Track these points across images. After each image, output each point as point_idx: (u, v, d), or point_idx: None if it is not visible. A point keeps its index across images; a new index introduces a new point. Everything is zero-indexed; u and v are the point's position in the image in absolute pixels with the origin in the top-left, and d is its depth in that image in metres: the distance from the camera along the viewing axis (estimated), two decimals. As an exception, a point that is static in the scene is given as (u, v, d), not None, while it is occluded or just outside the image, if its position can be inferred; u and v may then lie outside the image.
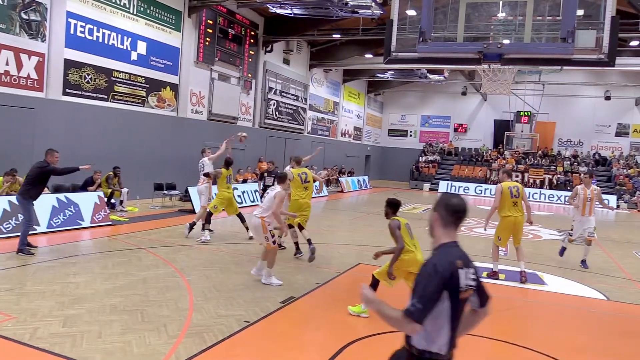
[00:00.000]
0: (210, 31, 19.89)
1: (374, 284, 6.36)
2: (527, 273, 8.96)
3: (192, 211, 14.79)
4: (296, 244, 9.65)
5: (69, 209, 11.25)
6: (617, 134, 35.68)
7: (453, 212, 2.83)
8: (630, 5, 16.60)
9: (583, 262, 10.53)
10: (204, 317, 5.94)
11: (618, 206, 29.24)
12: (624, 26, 19.31)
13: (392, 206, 6.60)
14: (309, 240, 9.10)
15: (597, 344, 6.15)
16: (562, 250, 11.07)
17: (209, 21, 19.73)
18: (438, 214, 2.84)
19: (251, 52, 22.76)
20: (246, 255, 9.58)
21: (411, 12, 8.31)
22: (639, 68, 26.89)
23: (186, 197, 16.25)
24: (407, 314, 2.53)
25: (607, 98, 33.74)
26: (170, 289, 7.00)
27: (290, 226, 9.44)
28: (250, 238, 10.71)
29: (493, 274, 8.95)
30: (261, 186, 13.74)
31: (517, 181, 9.34)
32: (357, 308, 6.39)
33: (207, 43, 19.70)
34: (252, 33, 22.75)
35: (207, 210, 11.12)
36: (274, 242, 7.57)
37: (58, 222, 10.88)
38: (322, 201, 21.52)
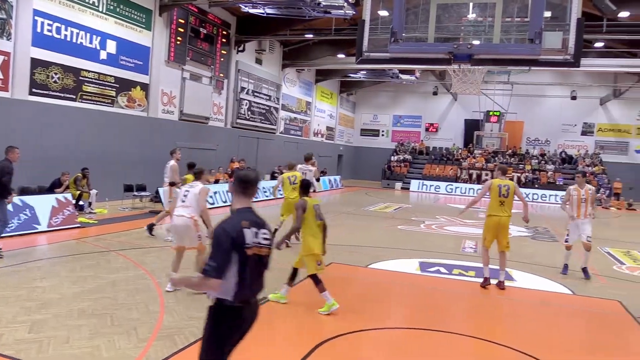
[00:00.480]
0: (182, 30, 19.67)
1: (317, 279, 6.51)
2: (497, 270, 9.11)
3: (164, 212, 14.64)
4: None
5: (24, 212, 10.67)
6: (583, 133, 36.60)
7: (241, 182, 3.33)
8: (595, 7, 17.02)
9: (584, 270, 9.53)
10: (175, 320, 5.87)
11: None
12: (589, 28, 19.77)
13: (302, 187, 6.81)
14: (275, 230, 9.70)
15: (563, 337, 6.29)
16: (565, 268, 9.79)
17: (180, 20, 19.49)
18: (233, 185, 3.35)
19: (223, 52, 22.59)
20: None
21: (383, 13, 8.36)
22: (603, 69, 27.63)
23: (157, 198, 16.03)
24: (204, 274, 3.01)
25: (573, 98, 34.54)
26: (140, 292, 6.90)
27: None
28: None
29: (484, 281, 8.29)
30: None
31: (510, 179, 8.48)
32: (325, 307, 6.41)
33: (178, 42, 19.47)
34: (224, 32, 22.58)
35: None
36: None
37: (12, 226, 10.07)
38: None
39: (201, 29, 20.82)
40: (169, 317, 5.92)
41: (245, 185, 3.32)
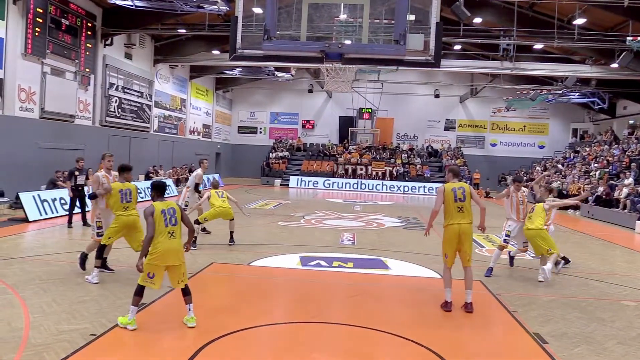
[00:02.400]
0: (40, 21, 18.05)
1: (139, 291, 5.74)
2: (374, 260, 9.57)
3: (25, 219, 13.45)
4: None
5: None
6: (446, 129, 39.63)
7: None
8: (453, 13, 18.43)
9: (511, 259, 9.99)
10: (43, 335, 5.43)
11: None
12: (448, 32, 21.41)
13: (156, 189, 6.07)
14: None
15: (434, 318, 6.78)
16: (490, 270, 9.42)
17: (38, 9, 17.88)
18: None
19: (88, 45, 21.15)
20: (89, 264, 8.91)
21: (257, 10, 8.37)
22: (461, 69, 30.04)
23: (17, 204, 14.62)
24: None
25: (437, 96, 37.16)
26: (0, 308, 6.28)
27: (197, 222, 10.58)
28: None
29: (445, 305, 7.13)
30: (72, 184, 12.68)
31: (465, 181, 7.72)
32: (124, 319, 5.74)
33: (36, 34, 17.87)
34: (89, 24, 21.14)
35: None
36: (98, 235, 8.02)
37: None
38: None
39: (63, 20, 19.31)
40: (36, 333, 5.46)
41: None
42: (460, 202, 6.99)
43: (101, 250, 7.89)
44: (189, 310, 5.85)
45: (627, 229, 17.86)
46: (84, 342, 5.27)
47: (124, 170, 8.23)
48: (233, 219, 11.17)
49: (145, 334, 5.65)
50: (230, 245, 11.04)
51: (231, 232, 11.24)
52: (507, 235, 9.49)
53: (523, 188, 9.72)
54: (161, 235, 5.74)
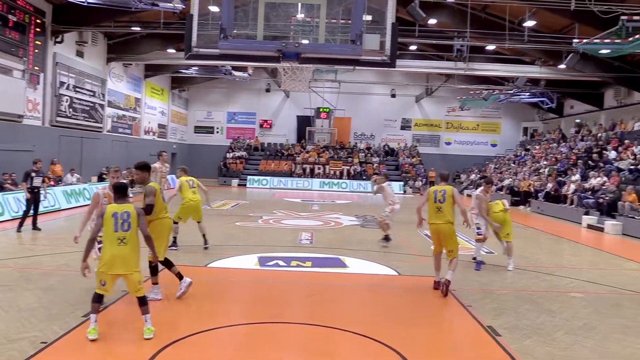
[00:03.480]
0: (-17, 16, 17.34)
1: (96, 298, 5.53)
2: (332, 259, 9.61)
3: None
4: (174, 238, 10.25)
5: None
6: (402, 128, 40.21)
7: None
8: (408, 13, 18.72)
9: (475, 258, 10.12)
10: (-10, 344, 5.22)
11: (404, 191, 33.12)
12: (403, 32, 21.72)
13: (115, 190, 5.87)
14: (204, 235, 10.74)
15: (390, 314, 6.88)
16: (479, 264, 9.87)
17: (-20, 5, 17.17)
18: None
19: (37, 43, 20.39)
20: (38, 269, 8.63)
21: (213, 9, 8.29)
22: (417, 70, 30.57)
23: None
24: None
25: (393, 96, 37.66)
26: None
27: (175, 222, 9.83)
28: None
29: (436, 285, 7.88)
30: (27, 185, 12.27)
31: (449, 185, 8.06)
32: (91, 330, 5.43)
33: (-21, 30, 17.14)
34: (38, 21, 20.38)
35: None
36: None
37: None
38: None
39: (10, 16, 18.55)
40: (-18, 342, 5.25)
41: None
42: (440, 203, 7.68)
43: (156, 268, 7.05)
44: (146, 321, 5.51)
45: (574, 224, 18.57)
46: (34, 351, 5.10)
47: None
48: (201, 222, 10.82)
49: (98, 340, 5.51)
50: (205, 248, 10.62)
51: (203, 235, 10.78)
52: (479, 228, 9.87)
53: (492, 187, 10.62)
54: (108, 241, 5.45)
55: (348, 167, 36.04)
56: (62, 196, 17.78)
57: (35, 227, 12.58)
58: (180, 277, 7.13)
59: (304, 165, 36.15)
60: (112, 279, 5.54)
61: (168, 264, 7.15)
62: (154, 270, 6.98)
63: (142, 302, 5.56)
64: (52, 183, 17.52)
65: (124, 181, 6.14)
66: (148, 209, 6.54)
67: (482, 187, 10.09)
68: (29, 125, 20.16)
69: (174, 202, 10.17)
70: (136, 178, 7.24)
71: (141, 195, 6.86)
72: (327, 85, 34.03)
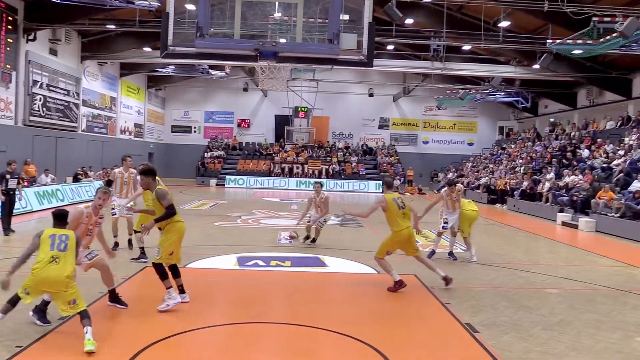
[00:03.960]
0: (-49, 13, 16.90)
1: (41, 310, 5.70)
2: (312, 258, 9.61)
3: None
4: (142, 248, 9.39)
5: None
6: (380, 127, 40.43)
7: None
8: (385, 13, 18.81)
9: (451, 253, 10.67)
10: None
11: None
12: (381, 32, 21.83)
13: (55, 217, 5.74)
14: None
15: (369, 312, 6.93)
16: (432, 254, 10.38)
17: (-52, 1, 16.73)
18: None
19: (9, 40, 19.95)
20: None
21: (190, 7, 8.22)
22: (394, 69, 30.76)
23: None
24: None
25: (371, 95, 37.82)
26: None
27: (136, 231, 9.14)
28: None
29: (397, 284, 7.92)
30: (2, 188, 12.02)
31: (400, 193, 8.16)
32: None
33: (-53, 27, 16.71)
34: (10, 18, 19.94)
35: None
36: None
37: None
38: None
39: (-22, 14, 18.15)
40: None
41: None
42: (402, 209, 8.00)
43: (164, 272, 6.69)
44: (86, 332, 5.18)
45: (550, 221, 18.88)
46: (8, 355, 4.99)
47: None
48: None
49: (74, 342, 5.41)
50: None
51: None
52: (445, 223, 10.53)
53: (459, 185, 10.92)
54: (43, 256, 5.34)
55: (327, 167, 36.07)
56: (35, 197, 17.41)
57: (5, 230, 12.31)
58: (182, 290, 6.87)
59: (283, 165, 36.08)
60: (38, 294, 5.50)
61: (175, 270, 6.84)
62: (163, 274, 6.58)
63: (83, 315, 5.32)
64: (26, 184, 17.16)
65: (66, 210, 5.83)
66: (171, 210, 6.44)
67: (445, 189, 10.60)
68: (1, 125, 19.74)
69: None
70: (141, 184, 6.99)
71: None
72: (305, 85, 34.02)
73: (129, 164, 10.49)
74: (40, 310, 5.91)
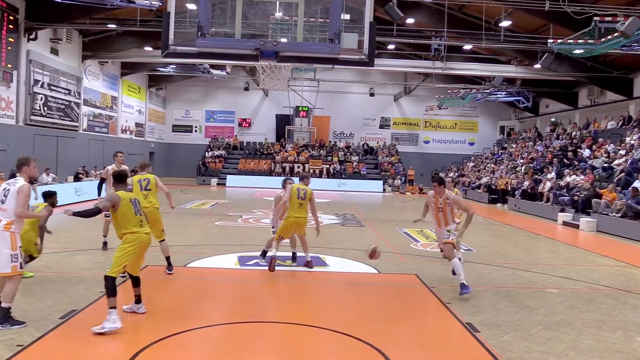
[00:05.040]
0: (-47, 13, 16.91)
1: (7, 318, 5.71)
2: (312, 258, 9.62)
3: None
4: None
5: None
6: (381, 126, 40.40)
7: None
8: (386, 13, 18.80)
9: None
10: None
11: (384, 190, 33.31)
12: (382, 31, 21.82)
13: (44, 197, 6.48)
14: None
15: (369, 311, 6.92)
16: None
17: (-51, 1, 16.74)
18: None
19: (10, 40, 19.97)
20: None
21: (191, 6, 8.20)
22: (395, 69, 30.75)
23: None
24: None
25: (372, 94, 37.78)
26: None
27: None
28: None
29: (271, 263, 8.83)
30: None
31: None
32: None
33: (-52, 26, 16.72)
34: (11, 17, 19.95)
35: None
36: (21, 265, 5.82)
37: None
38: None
39: (-21, 13, 18.16)
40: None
41: None
42: (302, 200, 9.09)
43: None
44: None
45: (550, 221, 18.87)
46: (10, 354, 5.00)
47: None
48: (164, 240, 8.60)
49: (75, 342, 5.42)
50: (169, 274, 8.51)
51: (167, 258, 8.59)
52: (448, 231, 8.01)
53: (447, 191, 8.07)
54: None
55: (327, 166, 36.06)
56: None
57: None
58: (138, 300, 6.43)
59: (284, 164, 36.06)
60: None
61: (135, 279, 6.42)
62: (111, 290, 5.82)
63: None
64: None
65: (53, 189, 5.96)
66: (95, 209, 6.01)
67: (431, 191, 8.41)
68: (2, 124, 19.77)
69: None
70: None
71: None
72: (306, 84, 34.02)
73: (121, 160, 10.41)
74: (7, 318, 5.72)
